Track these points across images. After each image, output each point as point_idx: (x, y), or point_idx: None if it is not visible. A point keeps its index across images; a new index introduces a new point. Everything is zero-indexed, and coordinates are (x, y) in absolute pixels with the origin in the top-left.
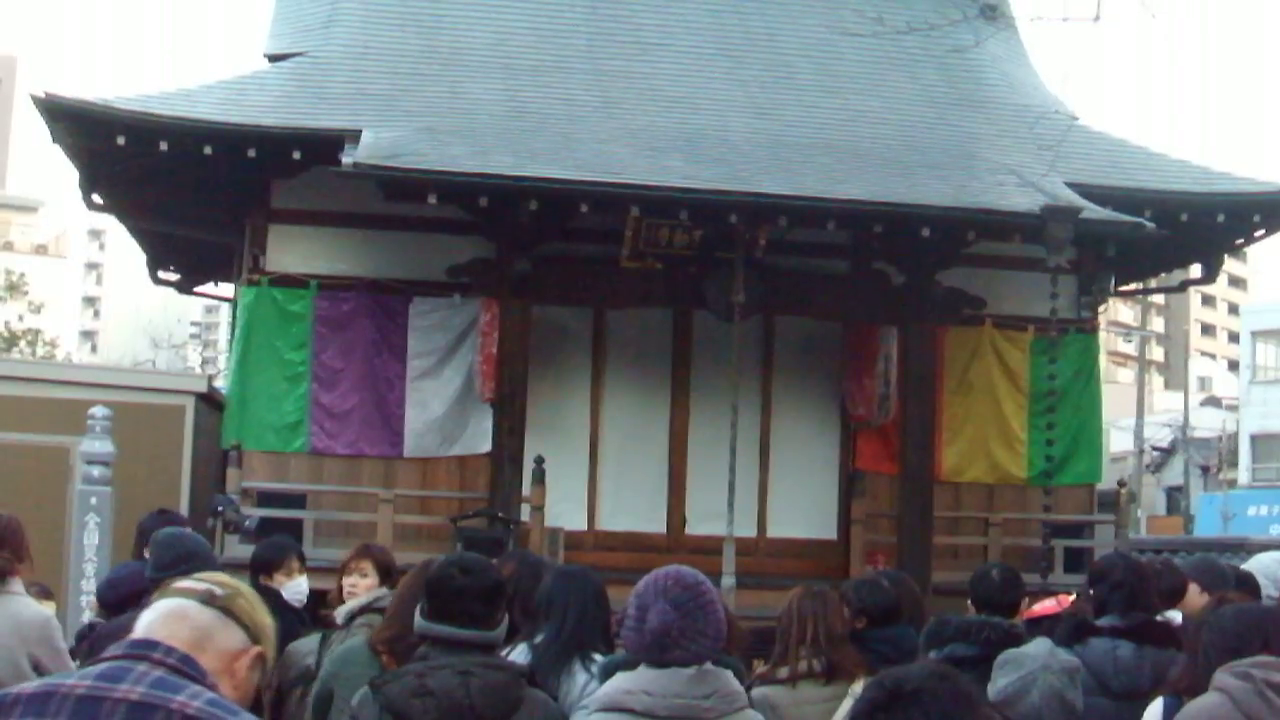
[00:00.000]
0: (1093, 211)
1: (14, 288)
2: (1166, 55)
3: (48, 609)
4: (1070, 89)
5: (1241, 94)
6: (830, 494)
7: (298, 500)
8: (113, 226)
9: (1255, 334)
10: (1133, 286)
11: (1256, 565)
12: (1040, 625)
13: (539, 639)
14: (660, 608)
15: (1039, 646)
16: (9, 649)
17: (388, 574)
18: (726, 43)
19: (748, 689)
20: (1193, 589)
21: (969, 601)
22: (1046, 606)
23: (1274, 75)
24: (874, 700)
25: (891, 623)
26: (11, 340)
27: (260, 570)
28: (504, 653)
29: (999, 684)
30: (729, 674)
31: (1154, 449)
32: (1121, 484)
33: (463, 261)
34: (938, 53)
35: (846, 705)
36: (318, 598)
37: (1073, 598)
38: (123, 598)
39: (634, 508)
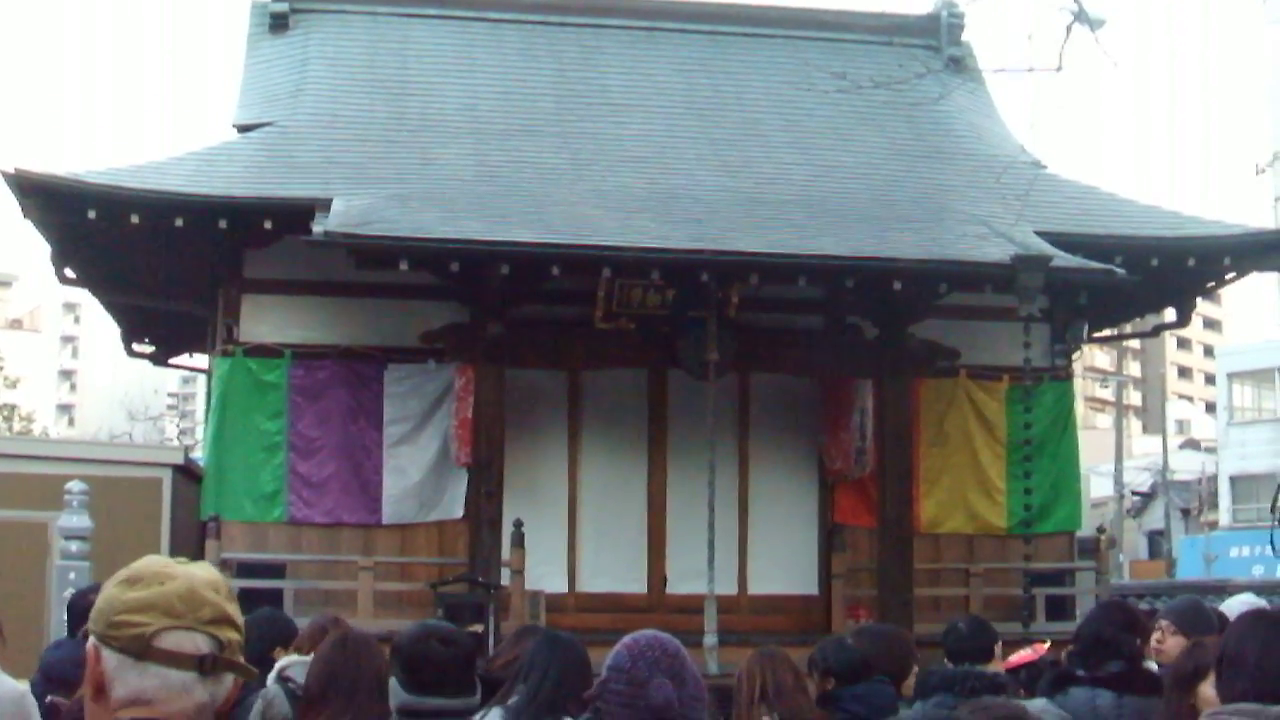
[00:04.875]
0: (1063, 260)
1: None
2: (1132, 100)
3: (22, 685)
4: (1037, 137)
5: (1209, 136)
6: (810, 549)
7: (277, 570)
8: (88, 300)
9: (1231, 375)
10: (1106, 333)
11: (1229, 609)
12: (1018, 674)
13: (513, 700)
14: (659, 682)
15: (1035, 702)
16: None
17: None
18: (695, 102)
19: None
20: (1176, 640)
21: (945, 657)
22: (1023, 655)
23: (1238, 117)
24: None
25: (860, 679)
26: None
27: (277, 643)
28: (477, 717)
29: None
30: None
31: (1134, 493)
32: (1101, 530)
33: (436, 327)
34: (905, 106)
35: None
36: None
37: (1047, 645)
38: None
39: (614, 569)
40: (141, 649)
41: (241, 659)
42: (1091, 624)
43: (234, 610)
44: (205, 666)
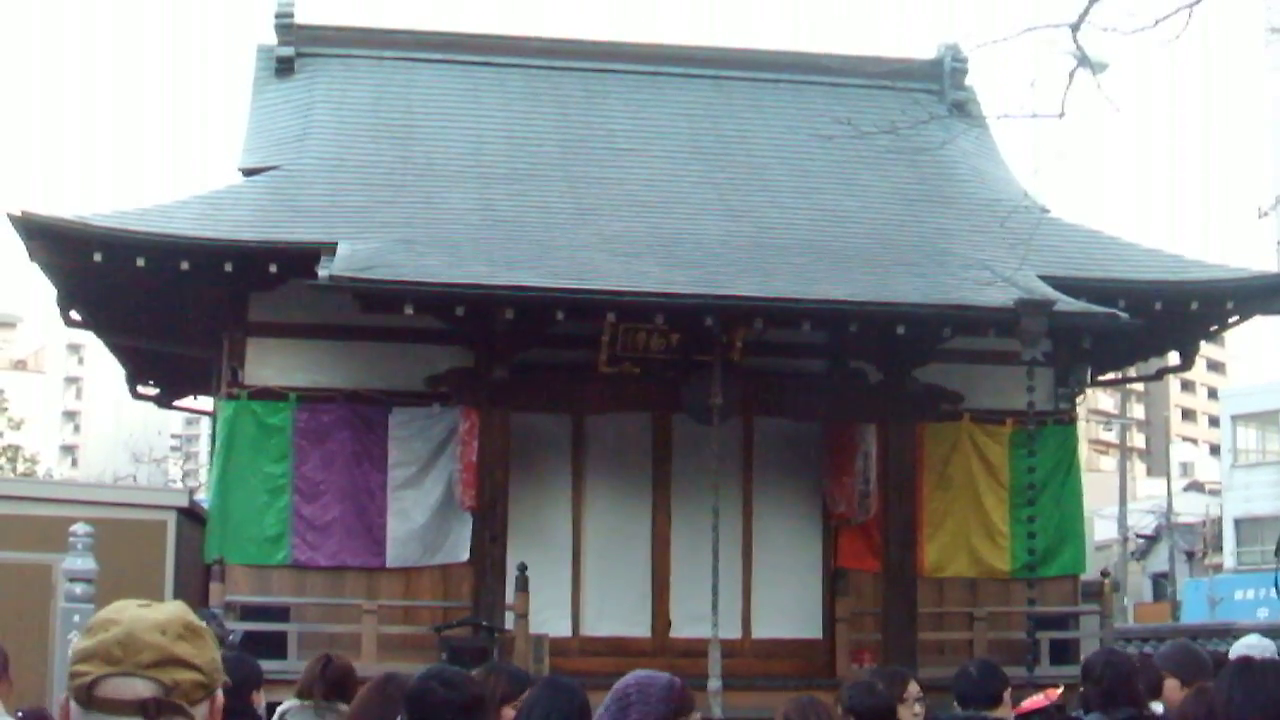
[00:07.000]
0: (1066, 304)
1: None
2: (1134, 145)
3: None
4: (1041, 182)
5: (1211, 180)
6: (814, 593)
7: (281, 613)
8: (92, 341)
9: (1235, 418)
10: (1110, 376)
11: (1237, 650)
12: None
13: None
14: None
15: None
16: None
17: None
18: (699, 147)
19: None
20: (1172, 683)
21: (954, 701)
22: (1035, 701)
23: (1240, 161)
24: None
25: None
26: None
27: (251, 687)
28: None
29: None
30: None
31: (1138, 536)
32: (1105, 574)
33: (441, 371)
34: (908, 150)
35: None
36: None
37: (1060, 690)
38: None
39: (618, 612)
40: (85, 698)
41: (206, 696)
42: (1107, 669)
43: (186, 650)
44: (149, 712)
